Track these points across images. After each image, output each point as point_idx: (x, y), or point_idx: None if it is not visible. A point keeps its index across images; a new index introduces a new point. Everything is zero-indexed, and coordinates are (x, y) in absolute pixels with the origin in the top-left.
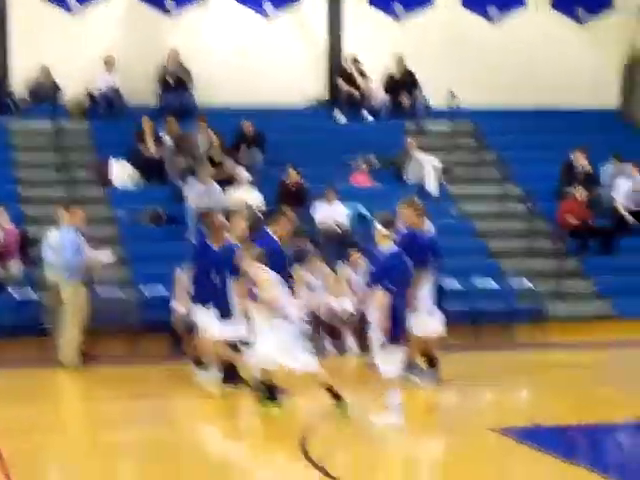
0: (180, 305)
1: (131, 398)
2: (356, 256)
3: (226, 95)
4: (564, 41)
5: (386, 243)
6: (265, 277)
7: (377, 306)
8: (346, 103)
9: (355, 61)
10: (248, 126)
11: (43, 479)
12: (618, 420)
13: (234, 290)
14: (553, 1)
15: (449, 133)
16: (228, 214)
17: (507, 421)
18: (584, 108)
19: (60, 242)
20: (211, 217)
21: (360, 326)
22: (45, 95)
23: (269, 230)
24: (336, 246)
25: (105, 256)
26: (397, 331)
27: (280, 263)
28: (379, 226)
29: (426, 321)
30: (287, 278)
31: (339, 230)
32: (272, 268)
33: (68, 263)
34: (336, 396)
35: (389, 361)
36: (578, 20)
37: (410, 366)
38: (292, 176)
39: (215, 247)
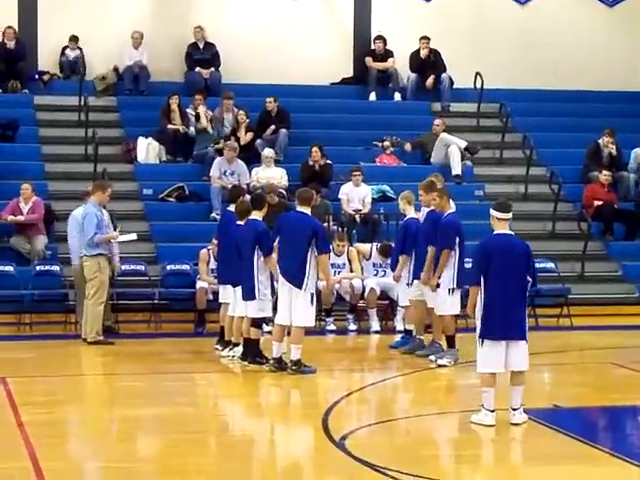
0: (203, 282)
1: (152, 373)
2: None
3: (252, 73)
4: (593, 23)
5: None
6: None
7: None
8: (373, 82)
9: (381, 40)
10: (270, 102)
11: (63, 451)
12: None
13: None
14: None
15: (475, 114)
16: (253, 192)
17: (527, 402)
18: (612, 90)
19: (82, 218)
20: (237, 194)
21: (385, 306)
22: (73, 70)
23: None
24: (361, 226)
25: (128, 237)
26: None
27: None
28: (494, 211)
29: (448, 301)
30: None
31: (364, 210)
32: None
33: (86, 237)
34: None
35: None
36: (607, 3)
37: (430, 345)
38: (316, 155)
39: (240, 224)
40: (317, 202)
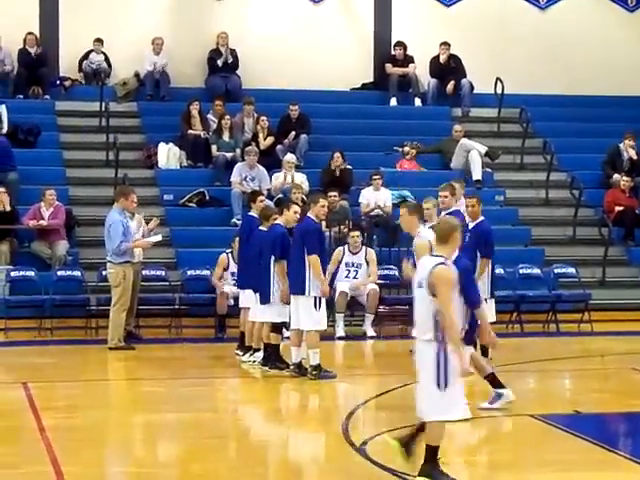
0: (223, 287)
1: (173, 379)
2: None
3: (273, 79)
4: (613, 28)
5: None
6: None
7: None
8: (393, 88)
9: (401, 45)
10: (294, 109)
11: (84, 455)
12: None
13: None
14: None
15: (495, 119)
16: (274, 198)
17: (548, 408)
18: (633, 95)
19: (106, 224)
20: (259, 199)
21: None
22: (95, 74)
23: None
24: (381, 231)
25: (154, 238)
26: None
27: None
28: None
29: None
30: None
31: (384, 215)
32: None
33: (113, 245)
34: None
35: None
36: (628, 8)
37: None
38: (337, 160)
39: (262, 229)
40: (336, 207)
